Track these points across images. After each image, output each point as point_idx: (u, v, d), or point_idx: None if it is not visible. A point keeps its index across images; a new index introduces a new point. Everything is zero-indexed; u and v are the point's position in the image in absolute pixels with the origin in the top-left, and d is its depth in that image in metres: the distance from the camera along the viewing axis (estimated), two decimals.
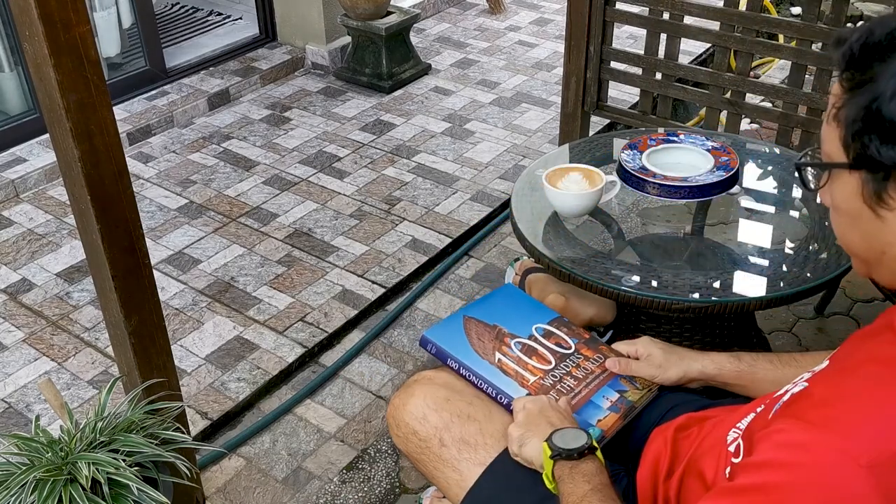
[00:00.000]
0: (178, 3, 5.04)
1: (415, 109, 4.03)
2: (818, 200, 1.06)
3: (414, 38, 4.48)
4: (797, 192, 1.99)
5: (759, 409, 1.14)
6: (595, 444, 1.25)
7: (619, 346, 1.52)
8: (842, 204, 0.95)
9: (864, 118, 0.87)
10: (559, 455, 1.22)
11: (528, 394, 1.42)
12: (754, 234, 1.84)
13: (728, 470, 1.10)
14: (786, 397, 1.00)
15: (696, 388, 1.47)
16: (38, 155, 3.54)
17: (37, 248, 3.08)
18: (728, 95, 2.79)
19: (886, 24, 0.89)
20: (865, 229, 0.93)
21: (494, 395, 1.44)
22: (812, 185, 1.02)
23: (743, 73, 2.73)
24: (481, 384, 1.45)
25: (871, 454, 0.79)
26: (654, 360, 1.46)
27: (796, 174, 1.04)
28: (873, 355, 0.95)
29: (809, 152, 1.04)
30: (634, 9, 2.85)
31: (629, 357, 1.50)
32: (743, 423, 1.16)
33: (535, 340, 1.52)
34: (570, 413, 1.38)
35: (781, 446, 0.86)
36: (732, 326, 1.92)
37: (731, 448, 1.13)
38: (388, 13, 4.17)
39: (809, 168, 1.04)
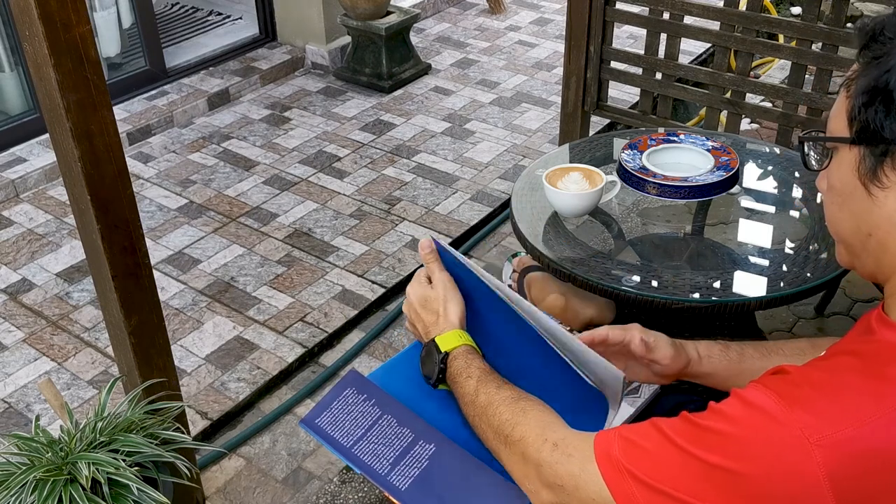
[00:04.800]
0: (178, 3, 5.04)
1: (415, 109, 4.03)
2: (816, 183, 1.06)
3: (414, 38, 4.48)
4: (797, 192, 1.99)
5: None
6: (444, 350, 1.21)
7: (613, 332, 1.40)
8: (837, 182, 0.97)
9: (872, 90, 0.89)
10: (430, 381, 1.24)
11: None
12: (754, 234, 1.84)
13: None
14: None
15: (698, 388, 1.46)
16: (38, 155, 3.54)
17: (37, 248, 3.08)
18: (728, 95, 2.79)
19: None
20: (856, 209, 0.95)
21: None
22: (815, 166, 1.02)
23: (743, 73, 2.73)
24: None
25: (827, 435, 0.82)
26: (655, 341, 1.35)
27: (799, 149, 1.05)
28: (846, 348, 0.97)
29: (814, 130, 1.05)
30: (634, 9, 2.84)
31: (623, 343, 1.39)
32: None
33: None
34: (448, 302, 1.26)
35: (748, 405, 0.89)
36: (732, 326, 1.92)
37: None
38: (388, 13, 4.17)
39: (812, 150, 1.04)
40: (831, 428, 0.83)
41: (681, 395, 1.44)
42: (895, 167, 0.89)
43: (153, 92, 4.06)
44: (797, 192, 1.99)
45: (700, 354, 1.34)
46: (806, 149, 1.03)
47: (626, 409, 1.38)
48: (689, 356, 1.35)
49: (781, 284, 1.64)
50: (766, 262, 1.75)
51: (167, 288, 2.85)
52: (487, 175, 3.49)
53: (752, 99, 2.86)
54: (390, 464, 1.23)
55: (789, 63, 2.74)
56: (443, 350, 1.22)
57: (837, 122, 0.96)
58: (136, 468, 1.55)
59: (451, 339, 1.24)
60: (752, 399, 0.89)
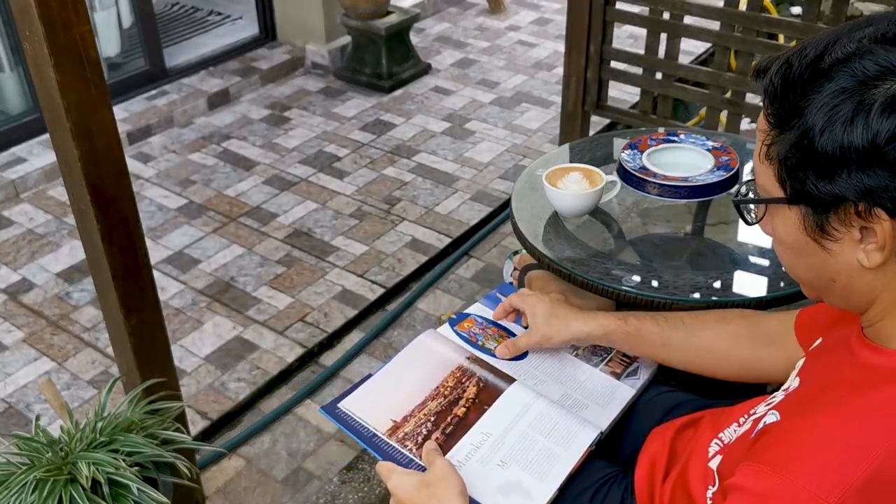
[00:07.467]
0: (178, 3, 5.04)
1: (415, 109, 4.03)
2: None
3: (414, 38, 4.48)
4: None
5: (741, 421, 1.13)
6: None
7: (512, 298, 1.51)
8: (785, 237, 0.94)
9: (796, 155, 0.85)
10: None
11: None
12: (755, 233, 1.84)
13: (710, 496, 1.09)
14: (760, 425, 0.98)
15: (694, 388, 1.46)
16: (38, 155, 3.54)
17: (37, 248, 3.08)
18: (728, 95, 2.79)
19: (803, 55, 0.87)
20: (812, 262, 0.93)
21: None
22: (751, 219, 1.00)
23: (743, 73, 2.73)
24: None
25: (838, 491, 0.80)
26: (538, 328, 1.42)
27: (736, 210, 1.01)
28: (833, 378, 0.95)
29: (744, 186, 1.01)
30: (635, 9, 2.85)
31: (513, 311, 1.51)
32: (725, 436, 1.15)
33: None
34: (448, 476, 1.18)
35: (749, 494, 0.87)
36: None
37: (713, 464, 1.13)
38: (388, 13, 4.18)
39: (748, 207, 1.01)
40: (838, 476, 0.80)
41: (679, 394, 1.44)
42: (841, 220, 0.86)
43: (153, 92, 4.06)
44: None
45: (594, 333, 1.40)
46: (742, 208, 1.00)
47: (628, 391, 1.42)
48: (575, 336, 1.40)
49: (781, 284, 1.64)
50: (766, 262, 1.74)
51: (167, 288, 2.85)
52: (487, 175, 3.49)
53: (752, 99, 2.86)
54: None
55: None
56: None
57: (766, 181, 0.92)
58: (136, 468, 1.55)
59: None
60: (750, 486, 0.87)
